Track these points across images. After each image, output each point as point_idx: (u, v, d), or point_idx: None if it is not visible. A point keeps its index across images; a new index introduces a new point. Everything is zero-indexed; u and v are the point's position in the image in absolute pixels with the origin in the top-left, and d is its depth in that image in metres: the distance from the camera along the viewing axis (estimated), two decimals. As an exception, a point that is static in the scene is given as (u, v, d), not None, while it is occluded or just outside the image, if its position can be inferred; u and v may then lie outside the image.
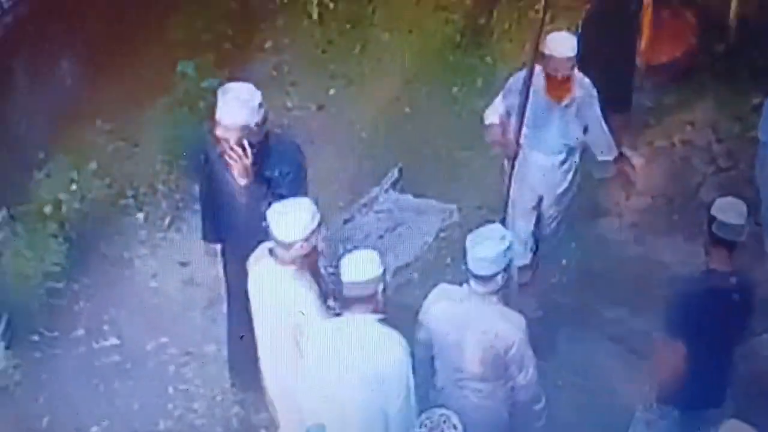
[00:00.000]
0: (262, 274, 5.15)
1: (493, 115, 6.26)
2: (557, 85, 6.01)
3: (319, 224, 5.06)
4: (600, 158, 6.35)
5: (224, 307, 6.30)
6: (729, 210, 5.19)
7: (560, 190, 6.38)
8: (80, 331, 6.72)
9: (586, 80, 6.14)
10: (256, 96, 5.42)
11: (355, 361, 4.80)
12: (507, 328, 4.95)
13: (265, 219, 5.06)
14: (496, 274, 4.91)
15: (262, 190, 5.37)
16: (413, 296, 6.52)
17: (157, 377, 6.47)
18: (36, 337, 6.66)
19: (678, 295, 5.29)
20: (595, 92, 6.17)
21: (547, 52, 5.94)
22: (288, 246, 4.97)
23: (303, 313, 5.00)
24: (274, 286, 5.08)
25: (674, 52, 8.02)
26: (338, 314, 5.00)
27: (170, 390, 6.40)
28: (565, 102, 6.08)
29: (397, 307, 5.19)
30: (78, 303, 6.88)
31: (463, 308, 4.99)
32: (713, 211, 5.20)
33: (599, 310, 6.49)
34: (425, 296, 5.22)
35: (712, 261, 5.21)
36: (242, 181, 5.37)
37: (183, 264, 7.08)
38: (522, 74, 5.95)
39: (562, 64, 5.92)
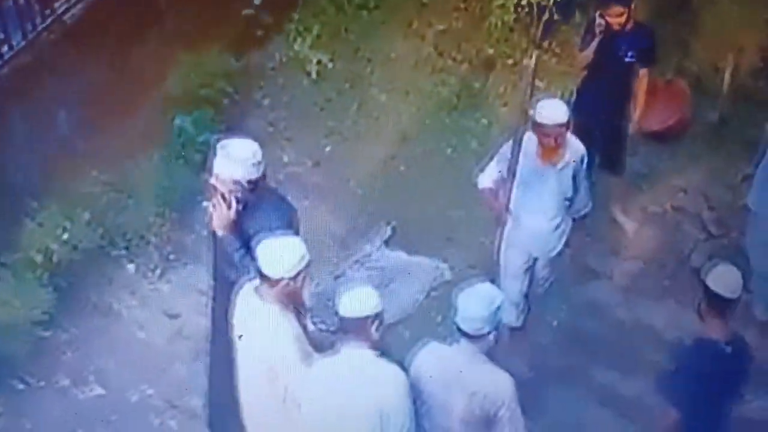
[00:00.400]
0: (246, 310, 5.12)
1: (486, 179, 6.28)
2: (550, 150, 6.04)
3: (308, 265, 5.03)
4: (578, 215, 6.40)
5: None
6: (725, 281, 5.10)
7: (554, 252, 6.39)
8: (66, 381, 6.67)
9: (577, 142, 6.18)
10: (256, 154, 5.42)
11: (356, 398, 4.80)
12: (496, 388, 4.90)
13: (237, 272, 5.14)
14: (486, 333, 4.87)
15: (237, 244, 5.37)
16: (403, 354, 6.53)
17: (142, 429, 6.41)
18: (21, 386, 6.60)
19: (673, 363, 5.24)
20: (584, 152, 6.22)
21: (538, 119, 5.98)
22: (274, 282, 4.95)
23: (284, 356, 4.97)
24: (256, 323, 5.05)
25: (668, 119, 8.09)
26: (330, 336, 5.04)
27: (154, 442, 6.35)
28: (559, 166, 6.10)
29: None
30: (65, 352, 6.84)
31: (452, 368, 4.93)
32: (708, 281, 5.11)
33: (589, 373, 6.46)
34: (414, 353, 5.18)
35: (706, 329, 5.13)
36: (219, 232, 5.40)
37: (172, 316, 7.06)
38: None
39: (554, 131, 5.96)
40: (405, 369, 4.96)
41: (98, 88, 8.03)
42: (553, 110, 5.98)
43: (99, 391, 6.62)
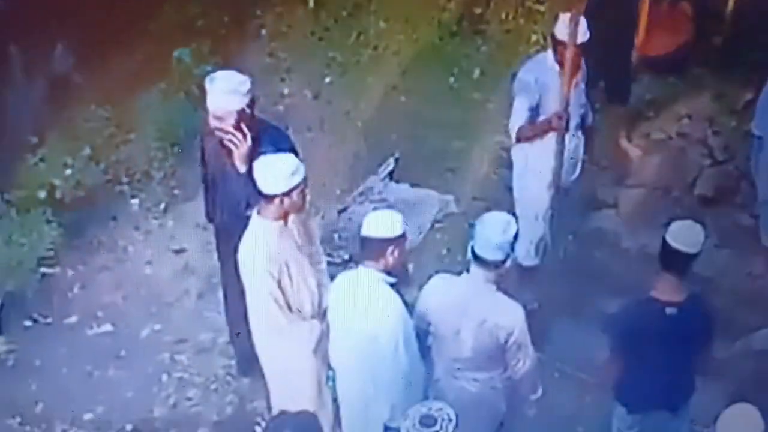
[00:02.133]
0: (250, 231, 5.14)
1: (518, 121, 6.11)
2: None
3: (304, 179, 5.04)
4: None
5: (219, 295, 6.28)
6: (684, 236, 4.92)
7: (573, 177, 6.34)
8: (74, 318, 6.70)
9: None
10: (244, 82, 5.43)
11: (353, 315, 4.96)
12: (506, 317, 4.93)
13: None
14: (500, 261, 4.87)
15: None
16: (408, 286, 6.56)
17: (152, 365, 6.44)
18: (29, 323, 6.65)
19: (616, 318, 5.22)
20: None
21: (559, 37, 5.90)
22: (270, 198, 4.99)
23: (272, 275, 5.02)
24: (258, 241, 5.09)
25: (671, 44, 8.01)
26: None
27: (164, 378, 6.38)
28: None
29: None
30: (72, 289, 6.87)
31: (462, 297, 4.96)
32: (667, 236, 4.94)
33: (595, 302, 6.47)
34: (421, 285, 5.20)
35: (655, 288, 5.00)
36: (243, 168, 5.36)
37: (177, 251, 7.06)
38: (531, 64, 6.06)
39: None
40: (406, 303, 5.02)
41: (95, 22, 7.93)
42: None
43: (107, 327, 6.66)
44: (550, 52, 5.97)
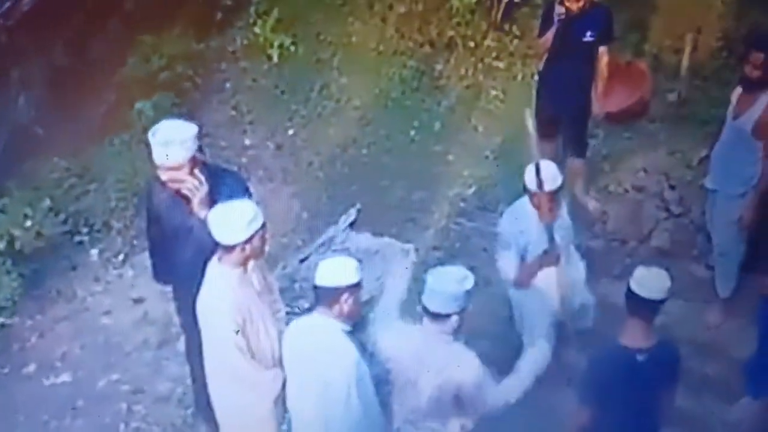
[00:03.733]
0: (209, 280, 5.09)
1: (510, 272, 6.04)
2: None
3: (263, 225, 5.00)
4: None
5: (178, 345, 6.26)
6: (648, 283, 4.92)
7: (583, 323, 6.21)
8: (32, 367, 6.66)
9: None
10: (189, 129, 5.31)
11: (307, 361, 4.94)
12: (458, 370, 4.93)
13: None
14: (451, 314, 4.89)
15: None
16: (369, 334, 6.56)
17: (109, 415, 6.39)
18: (-14, 373, 6.60)
19: (587, 366, 5.19)
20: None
21: (529, 187, 5.78)
22: (230, 249, 4.95)
23: (236, 322, 4.99)
24: (219, 289, 5.03)
25: (628, 100, 8.11)
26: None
27: (122, 427, 6.33)
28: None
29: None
30: (30, 339, 6.83)
31: (417, 348, 4.95)
32: (631, 283, 4.93)
33: (555, 353, 6.47)
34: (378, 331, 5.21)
35: (624, 335, 4.96)
36: (202, 213, 5.24)
37: (136, 301, 7.04)
38: (509, 216, 6.00)
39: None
40: (365, 349, 5.01)
41: (58, 73, 7.98)
42: (550, 176, 5.75)
43: (65, 377, 6.61)
44: (526, 199, 5.88)
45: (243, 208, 4.99)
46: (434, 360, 4.92)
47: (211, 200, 5.27)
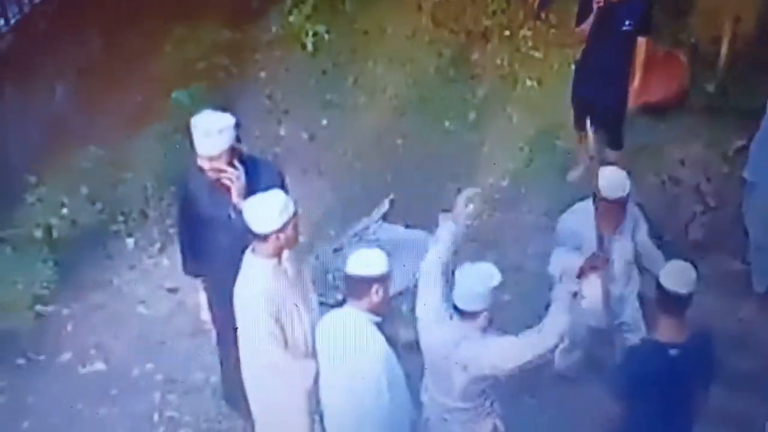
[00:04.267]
0: (245, 271, 5.15)
1: (554, 263, 5.89)
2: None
3: (295, 213, 5.05)
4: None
5: (211, 335, 6.28)
6: (674, 277, 4.90)
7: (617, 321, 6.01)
8: (67, 356, 6.71)
9: (635, 208, 6.00)
10: (227, 119, 5.38)
11: (339, 353, 4.95)
12: (494, 357, 4.89)
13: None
14: (479, 312, 4.87)
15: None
16: (402, 327, 6.56)
17: (143, 404, 6.43)
18: (22, 361, 6.65)
19: (620, 364, 5.18)
20: (638, 209, 6.00)
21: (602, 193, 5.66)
22: (264, 237, 4.99)
23: (270, 313, 5.03)
24: (254, 280, 5.08)
25: (666, 91, 8.09)
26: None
27: (156, 417, 6.36)
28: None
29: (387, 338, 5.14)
30: (66, 327, 6.88)
31: (449, 341, 4.92)
32: (660, 278, 4.91)
33: (589, 349, 6.44)
34: (414, 326, 5.20)
35: (657, 330, 4.97)
36: (240, 203, 5.27)
37: (172, 290, 7.07)
38: (570, 215, 5.92)
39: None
40: (393, 345, 4.99)
41: (95, 63, 8.04)
42: (615, 184, 5.67)
43: (100, 366, 6.66)
44: (590, 202, 5.75)
45: (275, 197, 5.05)
46: (464, 355, 4.90)
47: (248, 191, 5.31)
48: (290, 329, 5.18)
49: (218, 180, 5.41)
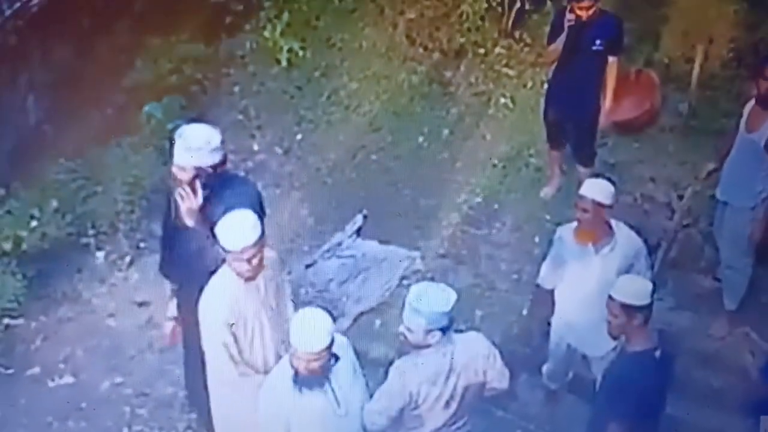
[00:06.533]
0: (216, 279, 5.13)
1: (549, 281, 5.96)
2: (585, 232, 5.73)
3: (262, 233, 5.01)
4: None
5: (181, 349, 6.23)
6: (630, 289, 4.92)
7: (601, 353, 5.79)
8: (36, 369, 6.64)
9: (633, 235, 5.84)
10: (214, 139, 5.36)
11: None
12: (477, 346, 4.96)
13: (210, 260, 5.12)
14: (449, 326, 4.82)
15: (207, 232, 5.25)
16: (374, 342, 6.56)
17: (112, 418, 6.38)
18: (-9, 373, 6.59)
19: (609, 378, 5.10)
20: (641, 246, 5.85)
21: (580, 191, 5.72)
22: (237, 254, 4.96)
23: (228, 324, 5.03)
24: (220, 289, 5.08)
25: (637, 110, 8.14)
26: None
27: (125, 431, 6.31)
28: (601, 251, 5.70)
29: (357, 353, 5.12)
30: (34, 341, 6.81)
31: (443, 361, 4.88)
32: (614, 294, 4.91)
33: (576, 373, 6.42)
34: (385, 342, 5.19)
35: (631, 341, 4.94)
36: (189, 222, 5.34)
37: (141, 304, 7.03)
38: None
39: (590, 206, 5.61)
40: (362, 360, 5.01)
41: (67, 75, 7.97)
42: (595, 186, 5.70)
43: (69, 379, 6.60)
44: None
45: (244, 217, 5.03)
46: (456, 362, 4.88)
47: (225, 207, 5.25)
48: (248, 345, 5.17)
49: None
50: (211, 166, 5.35)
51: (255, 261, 5.01)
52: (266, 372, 5.15)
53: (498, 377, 5.05)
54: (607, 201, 5.63)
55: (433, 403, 4.92)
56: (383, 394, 4.91)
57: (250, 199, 5.43)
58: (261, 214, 5.40)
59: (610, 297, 4.94)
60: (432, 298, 4.80)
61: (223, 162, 5.47)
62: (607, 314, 4.97)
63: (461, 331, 5.10)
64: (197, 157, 5.30)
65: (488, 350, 5.00)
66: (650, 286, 4.99)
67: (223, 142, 5.43)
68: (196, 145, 5.31)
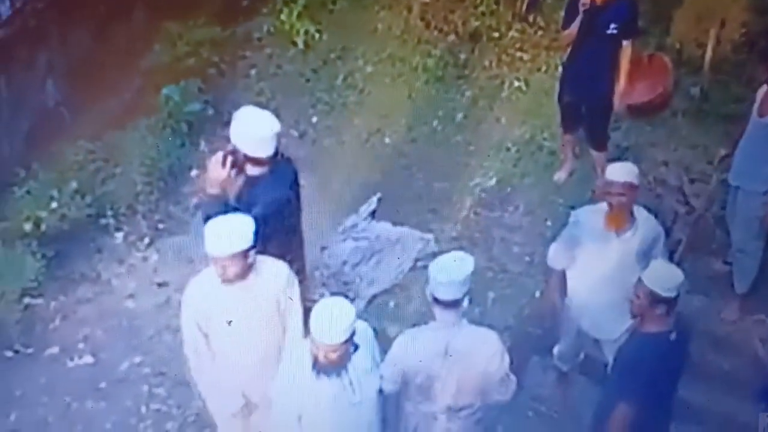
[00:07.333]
0: (201, 276, 5.19)
1: (559, 261, 5.96)
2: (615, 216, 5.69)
3: (252, 247, 4.99)
4: None
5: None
6: (662, 279, 4.93)
7: (613, 336, 5.78)
8: (55, 349, 6.73)
9: (652, 219, 5.82)
10: (274, 127, 5.43)
11: None
12: (486, 346, 4.96)
13: None
14: (460, 299, 4.89)
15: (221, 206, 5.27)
16: (388, 323, 6.62)
17: (131, 397, 6.47)
18: (10, 353, 6.67)
19: (621, 361, 5.11)
20: (661, 232, 5.82)
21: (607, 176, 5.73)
22: (217, 260, 4.97)
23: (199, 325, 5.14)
24: (199, 288, 5.14)
25: (650, 93, 8.12)
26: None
27: (143, 410, 6.40)
28: (623, 235, 5.68)
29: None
30: (54, 320, 6.90)
31: (438, 344, 4.93)
32: (644, 278, 4.93)
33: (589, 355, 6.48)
34: (399, 323, 5.25)
35: (645, 324, 4.97)
36: (210, 190, 5.34)
37: (160, 285, 7.10)
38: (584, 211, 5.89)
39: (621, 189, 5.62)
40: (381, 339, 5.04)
41: (85, 58, 8.05)
42: (623, 169, 5.70)
43: (88, 359, 6.69)
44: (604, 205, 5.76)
45: (234, 224, 5.00)
46: (456, 349, 4.91)
47: (249, 196, 5.32)
48: (218, 344, 5.22)
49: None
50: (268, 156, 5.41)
51: (231, 270, 4.97)
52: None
53: (498, 386, 5.01)
54: (636, 181, 5.64)
55: (426, 380, 4.96)
56: (385, 361, 4.99)
57: (288, 181, 5.54)
58: (297, 189, 5.54)
59: (639, 279, 4.95)
60: (456, 264, 4.88)
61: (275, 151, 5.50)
62: (632, 293, 4.98)
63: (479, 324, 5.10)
64: (261, 146, 5.36)
65: (494, 352, 4.96)
66: (681, 278, 4.96)
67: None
68: (261, 135, 5.36)
